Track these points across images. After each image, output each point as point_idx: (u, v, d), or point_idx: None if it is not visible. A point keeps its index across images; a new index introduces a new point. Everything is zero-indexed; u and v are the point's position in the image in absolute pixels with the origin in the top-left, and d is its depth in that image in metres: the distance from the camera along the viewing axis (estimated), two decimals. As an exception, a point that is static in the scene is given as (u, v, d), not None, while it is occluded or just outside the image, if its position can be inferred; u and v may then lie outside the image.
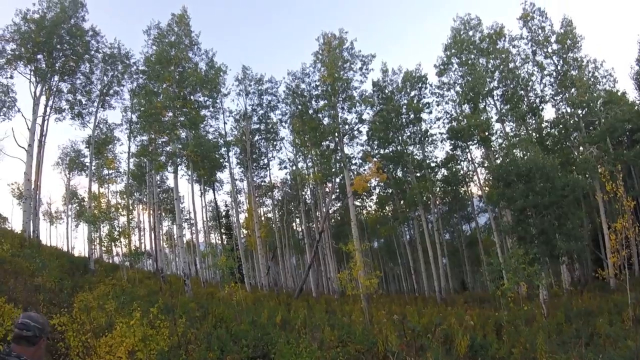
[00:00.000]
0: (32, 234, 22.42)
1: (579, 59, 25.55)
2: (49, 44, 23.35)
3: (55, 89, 25.41)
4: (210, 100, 27.22)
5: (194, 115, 23.22)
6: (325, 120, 28.26)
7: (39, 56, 23.83)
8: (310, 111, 28.53)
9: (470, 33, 28.57)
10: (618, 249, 11.96)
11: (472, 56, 28.38)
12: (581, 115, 25.50)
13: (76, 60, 25.10)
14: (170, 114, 22.50)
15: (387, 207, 43.77)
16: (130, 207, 35.18)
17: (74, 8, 24.71)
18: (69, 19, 24.34)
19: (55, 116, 26.11)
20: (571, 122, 25.91)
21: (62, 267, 19.27)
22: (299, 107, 29.18)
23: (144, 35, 24.07)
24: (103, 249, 24.92)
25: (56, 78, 25.23)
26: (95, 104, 27.25)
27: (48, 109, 25.05)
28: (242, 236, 37.87)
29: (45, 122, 24.84)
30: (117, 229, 23.74)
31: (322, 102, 27.89)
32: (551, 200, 17.77)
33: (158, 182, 38.35)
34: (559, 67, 26.02)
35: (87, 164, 32.66)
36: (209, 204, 45.03)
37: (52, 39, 23.36)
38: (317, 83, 27.92)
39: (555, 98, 26.83)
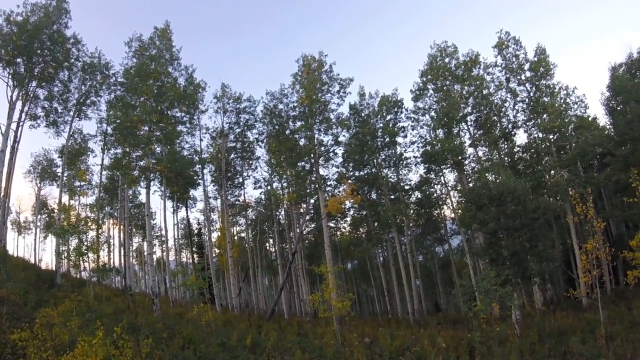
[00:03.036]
0: (-2, 243, 21.57)
1: (552, 86, 26.32)
2: (30, 48, 22.93)
3: (32, 95, 24.87)
4: (188, 116, 27.02)
5: (170, 130, 22.94)
6: (302, 141, 28.39)
7: (18, 60, 23.37)
8: (287, 132, 28.59)
9: (447, 60, 29.27)
10: (589, 269, 12.20)
11: (448, 82, 29.07)
12: (552, 140, 26.25)
13: (55, 67, 24.66)
14: (146, 128, 22.15)
15: (361, 229, 43.85)
16: (100, 222, 34.20)
17: (58, 14, 24.37)
18: (52, 25, 23.95)
19: (30, 123, 25.52)
20: (543, 146, 26.61)
21: (28, 279, 18.55)
22: (276, 127, 29.20)
23: (125, 47, 23.86)
24: (71, 263, 24.05)
25: (34, 84, 24.73)
26: (71, 113, 26.71)
27: (23, 115, 24.48)
28: (213, 255, 37.17)
29: (20, 128, 24.24)
30: (86, 243, 22.99)
31: (299, 123, 28.02)
32: (522, 222, 18.02)
33: (130, 197, 37.52)
34: (531, 94, 26.77)
35: (59, 174, 31.86)
36: (181, 222, 44.36)
37: (33, 43, 22.96)
38: (295, 104, 28.06)
39: (528, 124, 27.53)
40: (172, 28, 25.13)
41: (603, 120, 30.62)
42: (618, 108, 25.78)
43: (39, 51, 23.64)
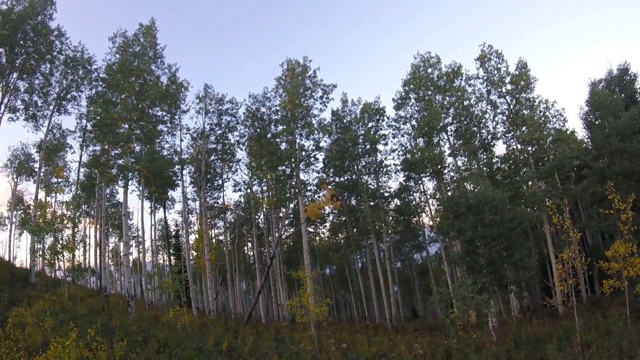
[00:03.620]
0: (-29, 240, 20.93)
1: (532, 99, 26.87)
2: (13, 38, 22.35)
3: (12, 87, 24.22)
4: (169, 115, 26.75)
5: (150, 129, 22.68)
6: (283, 146, 28.32)
7: (0, 50, 22.76)
8: (269, 135, 28.47)
9: (429, 70, 29.66)
10: (565, 278, 12.43)
11: (430, 92, 29.45)
12: (531, 151, 26.81)
13: (37, 59, 24.07)
14: (126, 126, 21.84)
15: (340, 235, 43.92)
16: (77, 220, 33.44)
17: (43, 4, 23.86)
18: (37, 15, 23.43)
19: (9, 115, 24.78)
20: (521, 158, 27.14)
21: (1, 277, 18.13)
22: (258, 130, 29.04)
23: (108, 42, 23.54)
24: (46, 261, 23.44)
25: (15, 75, 24.09)
26: (51, 108, 26.09)
27: (2, 107, 23.80)
28: (191, 258, 36.76)
29: (-2, 120, 23.53)
30: (61, 241, 22.40)
31: (280, 127, 27.97)
32: (500, 231, 18.31)
33: (107, 196, 36.88)
34: (511, 106, 27.32)
35: (36, 169, 31.15)
36: (158, 223, 43.80)
37: (16, 33, 22.39)
38: (278, 108, 27.99)
39: (507, 135, 28.10)
40: (157, 26, 24.93)
41: (581, 133, 31.52)
42: (596, 122, 26.45)
43: (21, 42, 23.08)
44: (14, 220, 43.32)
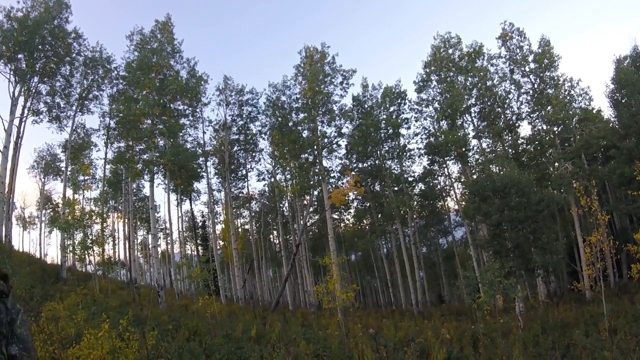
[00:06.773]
0: (3, 239, 21.60)
1: (556, 78, 26.16)
2: (31, 44, 22.71)
3: (34, 91, 24.69)
4: (190, 109, 26.97)
5: (172, 123, 22.94)
6: (305, 133, 28.32)
7: (19, 56, 23.13)
8: (290, 124, 28.50)
9: (450, 51, 29.09)
10: (593, 262, 12.21)
11: (451, 74, 28.92)
12: (557, 132, 26.11)
13: (57, 62, 24.46)
14: (149, 121, 22.17)
15: (364, 221, 43.91)
16: (105, 215, 34.31)
17: (58, 9, 24.20)
18: (53, 20, 23.76)
19: (33, 118, 25.35)
20: (547, 138, 26.46)
21: (33, 274, 18.70)
22: (279, 119, 29.08)
23: (126, 41, 23.82)
24: (76, 257, 24.15)
25: (36, 79, 24.51)
26: (74, 108, 26.52)
27: (26, 111, 24.28)
28: (218, 248, 37.31)
29: (23, 123, 24.07)
30: (91, 237, 23.08)
31: (302, 115, 27.94)
32: (526, 214, 18.04)
33: (134, 190, 37.57)
34: (535, 86, 26.64)
35: (63, 168, 31.92)
36: (185, 214, 44.42)
37: (34, 39, 22.73)
38: (298, 96, 27.97)
39: (532, 115, 27.44)
40: (174, 21, 25.09)
41: (607, 112, 30.42)
42: (623, 101, 25.60)
43: (40, 47, 23.43)
44: (43, 218, 44.63)
